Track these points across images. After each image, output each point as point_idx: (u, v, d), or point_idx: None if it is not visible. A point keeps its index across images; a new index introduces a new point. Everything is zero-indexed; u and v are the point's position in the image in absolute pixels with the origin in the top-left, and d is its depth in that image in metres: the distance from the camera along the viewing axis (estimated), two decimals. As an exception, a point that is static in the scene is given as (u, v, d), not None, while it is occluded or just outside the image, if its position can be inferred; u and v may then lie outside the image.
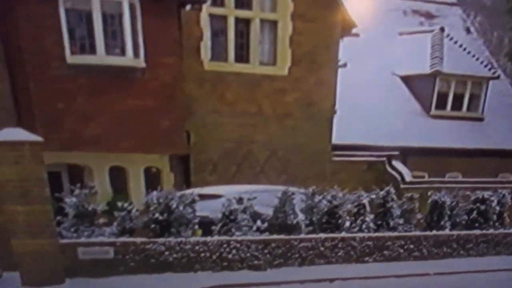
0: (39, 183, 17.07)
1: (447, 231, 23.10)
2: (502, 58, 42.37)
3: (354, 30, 28.27)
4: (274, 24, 26.87)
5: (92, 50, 22.91)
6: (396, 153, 29.86)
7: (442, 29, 35.20)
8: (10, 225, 17.16)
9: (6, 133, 17.10)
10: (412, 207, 22.83)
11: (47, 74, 22.60)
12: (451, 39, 35.13)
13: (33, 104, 22.63)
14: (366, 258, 21.45)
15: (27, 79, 22.56)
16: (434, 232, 22.83)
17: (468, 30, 37.93)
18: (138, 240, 18.99)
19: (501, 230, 23.87)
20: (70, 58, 22.66)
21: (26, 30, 22.21)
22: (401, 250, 22.05)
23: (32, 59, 22.46)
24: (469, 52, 35.18)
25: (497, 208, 24.01)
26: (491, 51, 39.46)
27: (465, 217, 23.63)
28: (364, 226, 21.85)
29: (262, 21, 26.65)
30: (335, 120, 28.07)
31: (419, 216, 23.06)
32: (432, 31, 35.39)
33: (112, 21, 23.03)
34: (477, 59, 35.35)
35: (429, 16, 37.83)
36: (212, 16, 25.82)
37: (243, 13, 26.30)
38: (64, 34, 22.46)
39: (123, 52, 23.29)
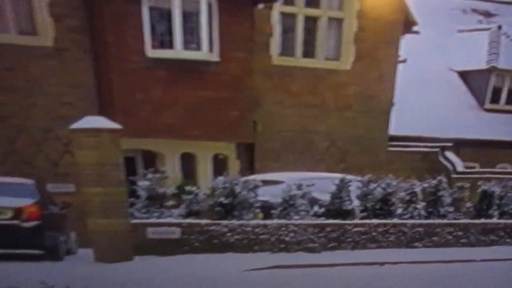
0: (115, 167, 17.40)
1: (494, 220, 23.00)
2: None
3: (414, 28, 28.52)
4: (340, 21, 27.38)
5: (171, 45, 23.66)
6: (450, 144, 29.90)
7: (499, 27, 34.92)
8: (87, 205, 17.48)
9: (87, 120, 17.60)
10: (462, 196, 22.85)
11: (128, 66, 23.42)
12: (507, 36, 34.79)
13: (114, 94, 23.53)
14: (416, 244, 21.47)
15: (110, 71, 23.48)
16: (482, 220, 22.77)
17: (524, 28, 37.67)
18: (203, 221, 19.20)
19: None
20: (150, 52, 23.53)
21: (112, 26, 23.13)
22: (450, 237, 22.09)
23: (116, 53, 23.34)
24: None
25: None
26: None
27: (514, 206, 23.63)
28: (415, 213, 21.91)
29: (329, 19, 27.19)
30: (392, 112, 28.34)
31: (468, 204, 23.06)
32: (489, 29, 35.09)
33: (190, 18, 23.73)
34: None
35: (487, 14, 37.31)
36: (282, 14, 26.42)
37: (312, 12, 26.90)
38: (145, 30, 23.32)
39: (198, 47, 24.00)
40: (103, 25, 23.30)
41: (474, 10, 37.35)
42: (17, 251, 18.07)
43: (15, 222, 17.41)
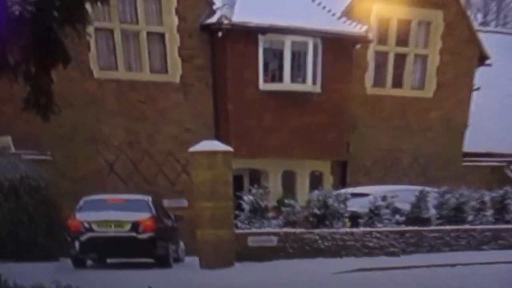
0: (225, 185, 17.72)
1: None
2: None
3: (487, 61, 28.45)
4: (425, 57, 27.55)
5: (280, 79, 24.12)
6: None
7: None
8: (198, 218, 17.83)
9: (204, 144, 18.11)
10: None
11: (243, 98, 23.94)
12: None
13: (229, 121, 23.81)
14: (484, 247, 21.38)
15: (228, 101, 23.80)
16: None
17: None
18: (298, 230, 19.31)
19: None
20: (262, 86, 23.98)
21: (232, 64, 23.60)
22: None
23: (234, 86, 23.77)
24: None
25: None
26: None
27: None
28: (484, 219, 21.93)
29: (415, 55, 27.39)
30: (466, 132, 28.18)
31: None
32: None
33: (298, 57, 24.15)
34: None
35: None
36: (376, 52, 26.57)
37: (402, 50, 27.08)
38: (260, 67, 23.80)
39: (304, 80, 24.39)
40: (224, 63, 23.69)
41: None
42: (132, 260, 18.46)
43: (132, 234, 17.62)
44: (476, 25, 32.47)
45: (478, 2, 47.42)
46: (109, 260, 18.96)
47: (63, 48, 7.88)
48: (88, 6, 7.80)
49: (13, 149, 21.04)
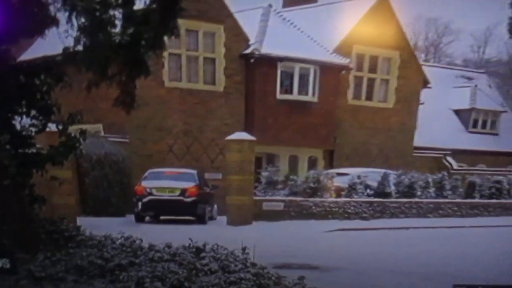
0: (249, 164, 17.91)
1: (477, 200, 23.09)
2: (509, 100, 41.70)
3: (428, 85, 28.56)
4: (387, 81, 27.52)
5: (291, 91, 24.12)
6: (449, 152, 29.53)
7: (475, 86, 34.64)
8: (228, 187, 17.86)
9: (236, 134, 18.59)
10: (457, 184, 23.14)
11: (265, 103, 23.79)
12: (481, 91, 34.50)
13: (255, 119, 23.71)
14: (429, 215, 21.43)
15: (254, 106, 23.76)
16: (469, 200, 22.88)
17: (490, 86, 36.91)
18: (298, 198, 19.23)
19: (510, 200, 23.75)
20: (279, 96, 23.95)
21: (259, 80, 23.70)
22: (450, 211, 22.09)
23: (259, 96, 23.73)
24: (491, 98, 34.70)
25: (507, 186, 24.00)
26: (503, 97, 38.91)
27: (488, 191, 23.55)
28: (428, 195, 22.08)
29: (381, 79, 27.34)
30: (416, 133, 28.40)
31: (460, 190, 23.17)
32: (470, 86, 34.76)
33: (303, 77, 24.24)
34: (496, 101, 34.83)
35: (469, 78, 36.67)
36: (355, 76, 26.57)
37: (372, 75, 27.03)
38: (277, 83, 23.87)
39: (306, 93, 24.36)
40: (254, 80, 23.76)
41: (462, 76, 37.09)
42: (179, 217, 17.94)
43: (180, 198, 17.24)
44: (421, 61, 32.73)
45: (422, 46, 49.69)
46: (161, 217, 18.19)
47: (146, 65, 7.73)
48: (165, 38, 7.57)
49: (102, 133, 20.83)
